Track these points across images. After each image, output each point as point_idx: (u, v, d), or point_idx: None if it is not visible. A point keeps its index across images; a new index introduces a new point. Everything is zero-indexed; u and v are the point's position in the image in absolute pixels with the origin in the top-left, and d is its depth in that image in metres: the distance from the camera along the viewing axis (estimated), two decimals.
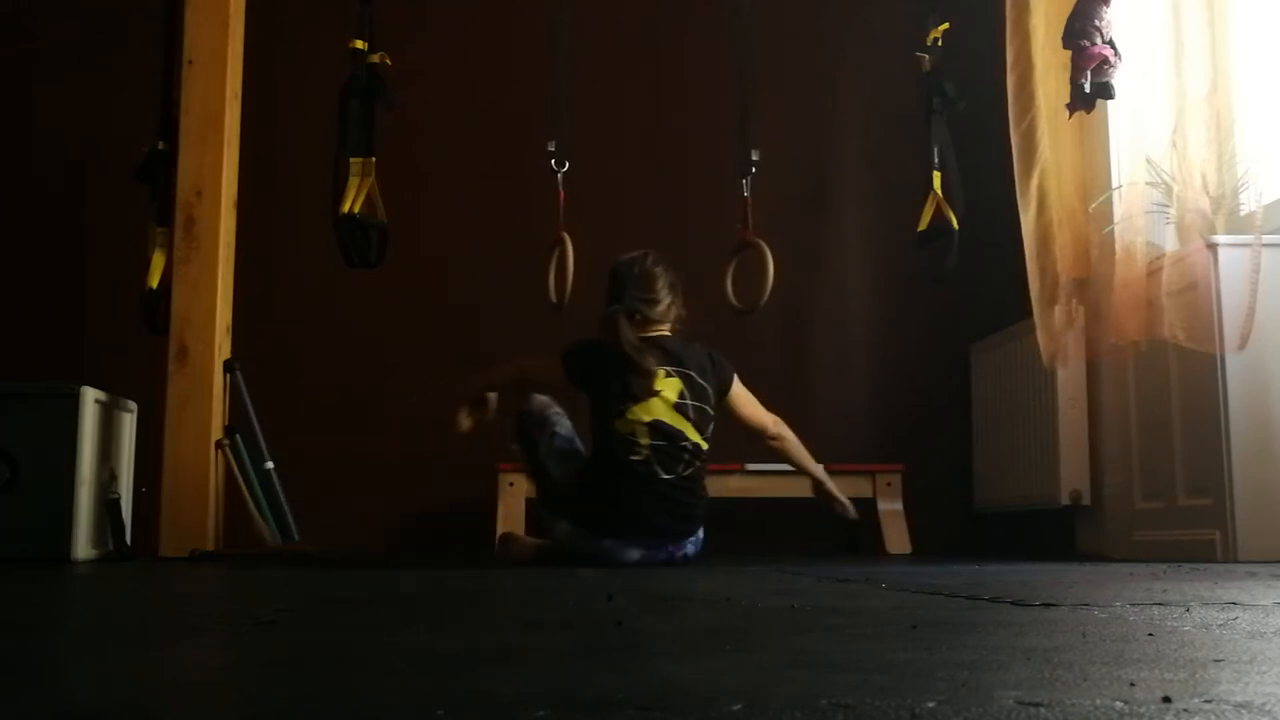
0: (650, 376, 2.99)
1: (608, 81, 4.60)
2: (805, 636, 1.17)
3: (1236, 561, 2.95)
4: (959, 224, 3.62)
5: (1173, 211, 3.26)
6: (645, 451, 2.97)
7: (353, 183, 3.60)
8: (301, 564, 3.15)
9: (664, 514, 2.99)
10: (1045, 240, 3.64)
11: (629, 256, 3.18)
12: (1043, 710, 0.71)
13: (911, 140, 3.92)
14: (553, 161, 3.73)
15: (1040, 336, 3.67)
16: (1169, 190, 3.27)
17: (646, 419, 2.98)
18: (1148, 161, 3.33)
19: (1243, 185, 3.13)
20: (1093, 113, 3.30)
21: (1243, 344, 3.00)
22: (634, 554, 3.00)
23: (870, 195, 4.76)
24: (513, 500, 4.06)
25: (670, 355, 3.05)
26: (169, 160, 3.82)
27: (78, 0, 4.67)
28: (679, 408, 3.01)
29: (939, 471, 4.50)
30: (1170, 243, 3.35)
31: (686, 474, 3.01)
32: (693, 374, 3.05)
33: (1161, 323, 3.17)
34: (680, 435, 3.00)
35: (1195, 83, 3.17)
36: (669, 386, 3.01)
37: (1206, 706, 0.73)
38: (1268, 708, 0.73)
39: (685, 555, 3.09)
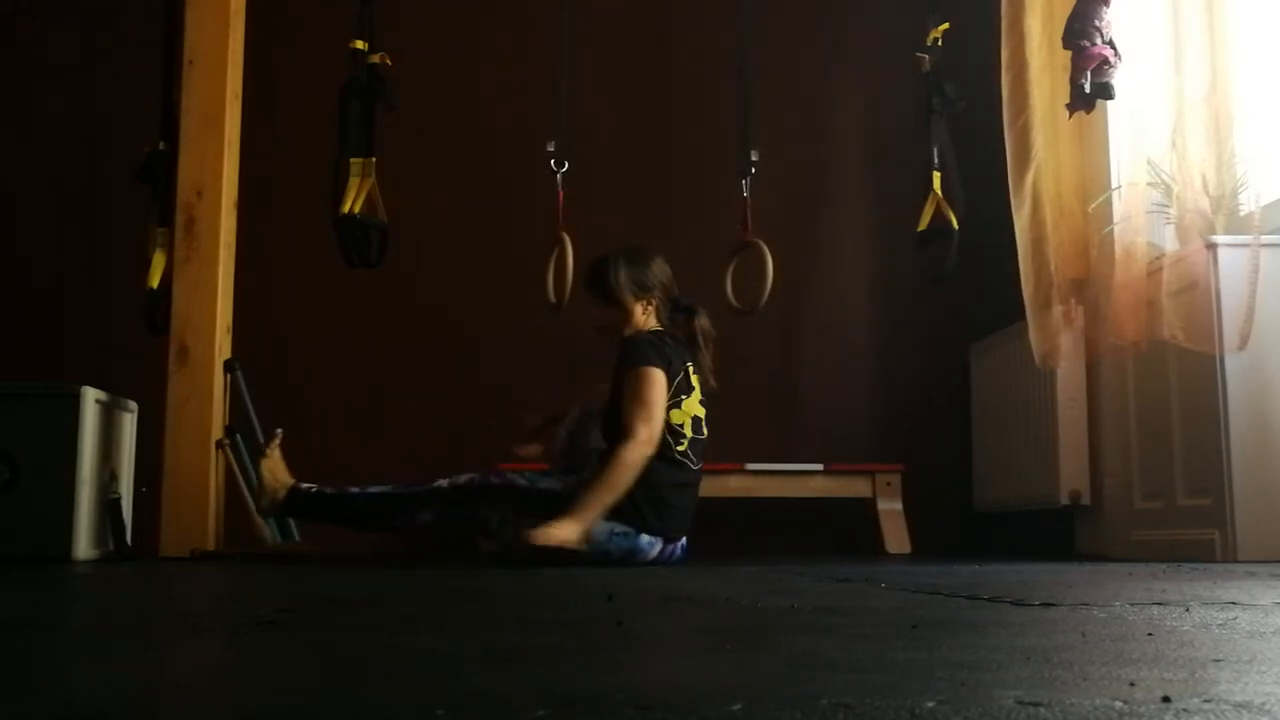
0: (706, 370, 3.16)
1: (607, 81, 4.60)
2: (805, 636, 1.17)
3: (1236, 561, 2.95)
4: (959, 224, 3.63)
5: (1172, 212, 3.26)
6: (686, 444, 3.07)
7: (353, 183, 3.60)
8: (301, 564, 3.15)
9: (692, 505, 3.11)
10: (1039, 240, 3.63)
11: (650, 251, 3.25)
12: (1042, 710, 0.71)
13: (911, 140, 3.92)
14: (552, 161, 3.73)
15: (1033, 337, 3.66)
16: (1169, 190, 3.27)
17: (692, 413, 3.09)
18: (1148, 162, 3.33)
19: (1242, 185, 3.14)
20: (1092, 113, 3.30)
21: (1242, 344, 3.01)
22: (655, 548, 3.03)
23: (870, 195, 4.76)
24: None
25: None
26: (169, 160, 3.82)
27: (78, 0, 4.67)
28: (703, 402, 3.14)
29: (939, 471, 4.50)
30: (1170, 243, 3.35)
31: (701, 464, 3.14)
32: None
33: (1161, 323, 3.17)
34: (703, 426, 3.13)
35: (1195, 83, 3.17)
36: (697, 382, 3.14)
37: (1206, 706, 0.73)
38: (1267, 707, 0.73)
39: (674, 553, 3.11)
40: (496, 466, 3.29)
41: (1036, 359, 3.69)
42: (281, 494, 3.19)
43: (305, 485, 3.21)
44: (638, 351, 3.06)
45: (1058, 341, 3.63)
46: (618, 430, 2.99)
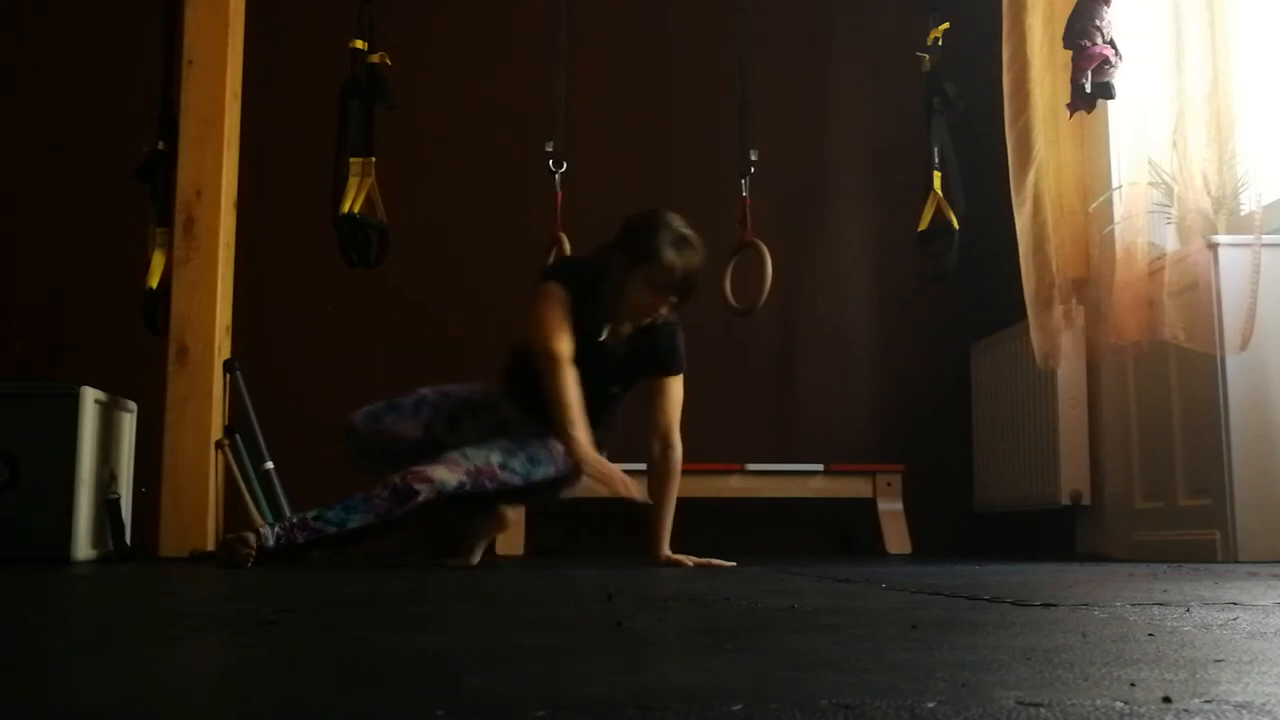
0: None
1: (606, 81, 4.60)
2: (805, 636, 1.17)
3: (1236, 561, 2.95)
4: (959, 224, 3.63)
5: (1174, 211, 3.26)
6: None
7: (352, 183, 3.60)
8: (301, 564, 3.15)
9: None
10: (1040, 240, 3.64)
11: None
12: (1043, 710, 0.71)
13: (911, 140, 3.92)
14: (550, 162, 3.74)
15: (1034, 336, 3.66)
16: (1170, 190, 3.27)
17: None
18: (1149, 162, 3.33)
19: (1243, 185, 3.13)
20: (1093, 113, 3.30)
21: (1244, 344, 3.00)
22: None
23: (870, 195, 4.76)
24: None
25: None
26: (169, 160, 3.82)
27: (78, 1, 4.67)
28: None
29: (939, 471, 4.50)
30: (1171, 243, 3.35)
31: None
32: None
33: (1162, 323, 3.17)
34: None
35: (1196, 82, 3.17)
36: None
37: (1207, 707, 0.73)
38: (1268, 708, 0.73)
39: None
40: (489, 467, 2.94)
41: (1037, 359, 3.69)
42: (245, 562, 2.78)
43: (276, 534, 2.82)
44: (683, 353, 3.12)
45: (1059, 341, 3.63)
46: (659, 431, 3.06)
